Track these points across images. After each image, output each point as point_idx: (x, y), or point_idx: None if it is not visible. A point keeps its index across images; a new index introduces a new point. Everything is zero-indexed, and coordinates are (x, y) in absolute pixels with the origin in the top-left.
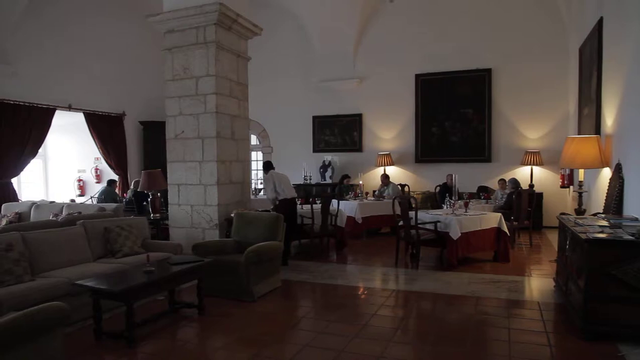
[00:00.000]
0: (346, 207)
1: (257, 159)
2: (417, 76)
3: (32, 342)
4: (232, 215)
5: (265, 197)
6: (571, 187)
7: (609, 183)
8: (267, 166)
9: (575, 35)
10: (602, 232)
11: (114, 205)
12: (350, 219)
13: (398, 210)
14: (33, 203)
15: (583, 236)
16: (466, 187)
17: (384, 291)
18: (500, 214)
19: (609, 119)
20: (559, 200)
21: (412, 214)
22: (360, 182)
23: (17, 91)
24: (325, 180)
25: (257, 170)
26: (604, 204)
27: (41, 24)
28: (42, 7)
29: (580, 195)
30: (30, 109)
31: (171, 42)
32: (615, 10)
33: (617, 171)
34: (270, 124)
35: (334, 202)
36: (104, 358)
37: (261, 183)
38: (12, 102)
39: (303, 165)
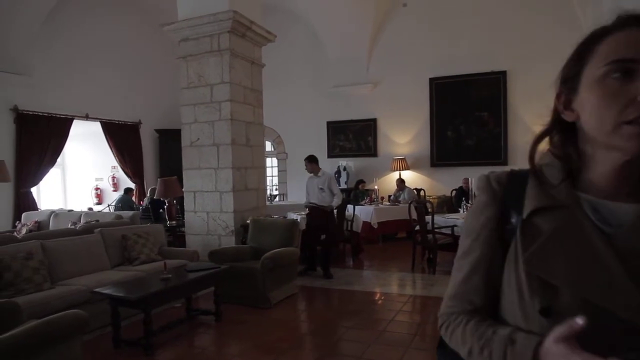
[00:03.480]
0: (362, 212)
1: (272, 165)
2: (432, 80)
3: (51, 349)
4: (248, 221)
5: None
6: None
7: None
8: (315, 161)
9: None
10: None
11: (130, 213)
12: (366, 224)
13: (414, 215)
14: (52, 212)
15: None
16: None
17: (401, 296)
18: None
19: None
20: None
21: (428, 218)
22: (376, 187)
23: (36, 102)
24: (340, 185)
25: (272, 176)
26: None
27: (57, 36)
28: (59, 19)
29: None
30: (49, 119)
31: (186, 50)
32: (634, 8)
33: None
34: (284, 130)
35: (350, 207)
36: None
37: (276, 189)
38: (31, 113)
39: None
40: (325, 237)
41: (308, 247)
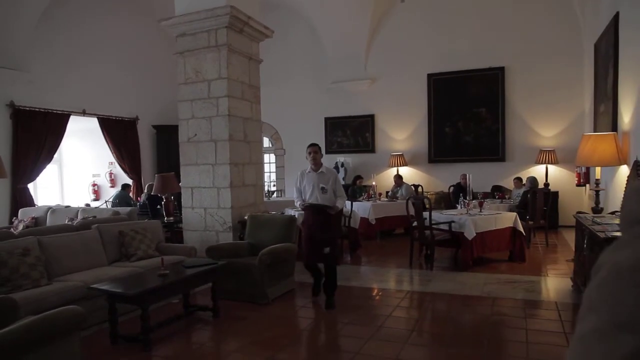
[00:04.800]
0: (359, 209)
1: (269, 162)
2: (430, 76)
3: (49, 345)
4: (246, 217)
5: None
6: (587, 185)
7: (627, 181)
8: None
9: (590, 31)
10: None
11: (128, 209)
12: (364, 220)
13: (412, 211)
14: (49, 208)
15: (601, 235)
16: (480, 186)
17: (398, 292)
18: (515, 213)
19: (626, 116)
20: (574, 199)
21: (426, 214)
22: (373, 183)
23: (33, 98)
24: None
25: (269, 172)
26: (621, 202)
27: (55, 32)
28: (57, 15)
29: (597, 193)
30: (46, 115)
31: (183, 45)
32: (632, 3)
33: (635, 168)
34: (282, 126)
35: (347, 203)
36: None
37: (274, 185)
38: (27, 109)
39: None
40: (330, 250)
41: (311, 268)
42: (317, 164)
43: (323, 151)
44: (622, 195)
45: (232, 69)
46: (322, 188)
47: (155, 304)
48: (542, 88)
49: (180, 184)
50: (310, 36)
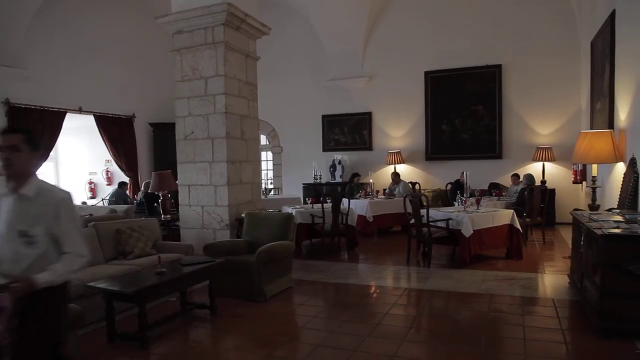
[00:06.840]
0: (357, 206)
1: (267, 159)
2: (427, 73)
3: None
4: (243, 215)
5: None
6: (584, 182)
7: (623, 178)
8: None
9: (586, 29)
10: (617, 227)
11: (125, 207)
12: (361, 218)
13: (409, 209)
14: None
15: (598, 232)
16: (477, 184)
17: (396, 290)
18: (512, 210)
19: (622, 113)
20: (571, 196)
21: (423, 211)
22: (371, 181)
23: (29, 95)
24: (335, 179)
25: (267, 170)
26: (618, 200)
27: (51, 28)
28: (52, 12)
29: (593, 190)
30: (42, 112)
31: (180, 43)
32: (628, 0)
33: (632, 166)
34: (279, 124)
35: (345, 201)
36: (117, 359)
37: (271, 183)
38: (23, 106)
39: (313, 165)
40: None
41: None
42: (15, 176)
43: (320, 148)
44: (619, 193)
45: (229, 67)
46: (22, 233)
47: (153, 302)
48: (539, 85)
49: (177, 181)
50: (307, 33)
